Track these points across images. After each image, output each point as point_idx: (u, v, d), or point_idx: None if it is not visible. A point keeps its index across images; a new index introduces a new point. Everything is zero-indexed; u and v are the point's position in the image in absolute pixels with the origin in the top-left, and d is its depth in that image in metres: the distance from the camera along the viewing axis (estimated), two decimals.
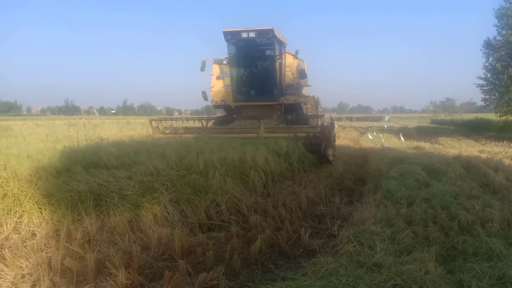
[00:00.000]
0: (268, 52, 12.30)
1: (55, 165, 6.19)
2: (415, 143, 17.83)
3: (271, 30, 11.24)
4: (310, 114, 14.04)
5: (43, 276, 3.75)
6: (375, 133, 26.31)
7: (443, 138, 21.91)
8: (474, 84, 28.53)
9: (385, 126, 37.73)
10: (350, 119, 61.93)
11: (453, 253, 4.37)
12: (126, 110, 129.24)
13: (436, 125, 46.34)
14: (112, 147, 7.77)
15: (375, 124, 47.87)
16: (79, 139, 9.60)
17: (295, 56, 12.91)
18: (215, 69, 13.17)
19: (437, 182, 7.31)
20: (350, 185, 8.69)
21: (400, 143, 17.84)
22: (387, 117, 68.85)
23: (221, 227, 5.49)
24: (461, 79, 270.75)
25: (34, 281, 3.77)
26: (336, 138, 14.27)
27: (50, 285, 3.67)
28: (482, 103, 31.40)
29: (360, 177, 9.67)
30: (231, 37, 11.72)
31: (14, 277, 3.85)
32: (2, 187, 5.42)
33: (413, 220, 5.28)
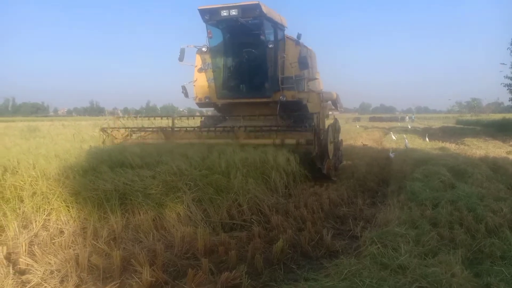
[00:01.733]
0: (257, 36, 9.45)
1: (82, 165, 6.36)
2: (440, 144, 17.45)
3: (258, 6, 8.75)
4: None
5: (71, 272, 3.86)
6: (397, 134, 25.91)
7: (469, 139, 21.36)
8: (501, 84, 27.74)
9: (409, 127, 37.05)
10: (373, 119, 61.02)
11: (480, 256, 4.28)
12: (149, 111, 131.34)
13: (461, 126, 45.22)
14: (136, 147, 7.91)
15: (398, 124, 47.09)
16: (104, 139, 9.79)
17: (297, 41, 10.17)
18: (198, 60, 10.59)
19: (463, 183, 7.15)
20: (373, 186, 8.60)
21: (425, 144, 17.51)
22: (407, 117, 67.32)
23: (243, 227, 5.52)
24: (488, 79, 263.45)
25: (62, 277, 3.88)
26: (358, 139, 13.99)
27: (77, 281, 3.77)
28: (510, 103, 30.52)
29: (383, 179, 9.55)
30: (210, 16, 9.26)
31: (44, 273, 3.97)
32: (32, 185, 5.59)
33: (438, 222, 5.19)
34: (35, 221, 5.18)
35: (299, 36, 10.11)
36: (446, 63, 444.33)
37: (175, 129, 9.83)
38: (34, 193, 5.51)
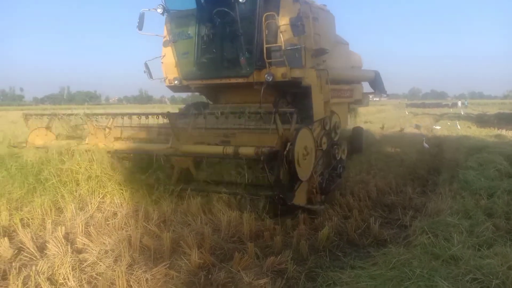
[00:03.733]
0: None
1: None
2: (495, 131, 16.52)
3: None
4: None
5: (124, 252, 4.03)
6: (450, 121, 24.80)
7: None
8: None
9: (462, 113, 35.33)
10: (423, 105, 58.46)
11: None
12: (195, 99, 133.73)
13: None
14: None
15: (450, 110, 44.99)
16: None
17: None
18: (166, 29, 7.68)
19: None
20: (423, 174, 8.31)
21: (479, 131, 16.66)
22: (459, 103, 63.73)
23: (288, 212, 5.50)
24: None
25: (116, 257, 4.06)
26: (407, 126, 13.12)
27: (130, 260, 3.94)
28: None
29: (434, 167, 9.19)
30: None
31: (99, 252, 4.17)
32: (87, 169, 5.87)
33: (494, 212, 4.97)
34: (91, 203, 5.45)
35: None
36: (504, 45, 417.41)
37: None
38: (89, 177, 5.78)
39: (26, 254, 4.09)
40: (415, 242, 4.08)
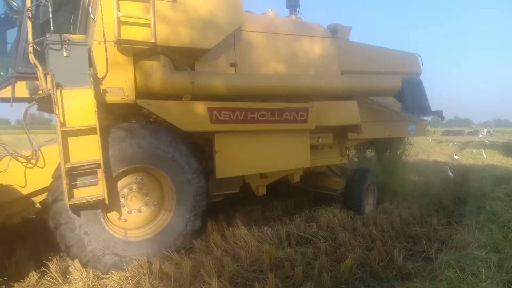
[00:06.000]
0: None
1: None
2: None
3: None
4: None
5: (144, 279, 4.03)
6: (475, 149, 24.27)
7: None
8: None
9: (487, 142, 34.53)
10: (446, 133, 57.27)
11: None
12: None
13: None
14: None
15: (476, 138, 44.09)
16: None
17: None
18: None
19: None
20: (448, 204, 8.08)
21: (506, 160, 16.22)
22: (485, 130, 61.96)
23: (309, 241, 5.44)
24: None
25: (136, 283, 4.07)
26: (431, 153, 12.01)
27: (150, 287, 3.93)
28: None
29: (459, 197, 8.95)
30: None
31: (119, 278, 4.19)
32: None
33: None
34: None
35: None
36: None
37: None
38: None
39: (49, 279, 4.13)
40: (441, 276, 3.95)
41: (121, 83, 4.62)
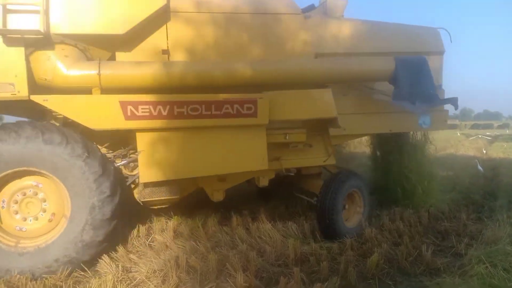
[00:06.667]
0: None
1: None
2: None
3: None
4: None
5: (171, 272, 4.10)
6: (506, 143, 23.50)
7: None
8: None
9: None
10: (475, 126, 55.67)
11: None
12: None
13: None
14: None
15: (506, 132, 42.75)
16: None
17: None
18: None
19: None
20: (478, 199, 7.87)
21: None
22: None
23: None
24: None
25: (163, 276, 4.14)
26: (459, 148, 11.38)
27: (177, 281, 3.99)
28: None
29: (489, 191, 8.70)
30: None
31: (147, 271, 4.27)
32: None
33: None
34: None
35: None
36: None
37: None
38: None
39: (80, 271, 4.24)
40: (471, 272, 3.87)
41: (11, 78, 4.13)
